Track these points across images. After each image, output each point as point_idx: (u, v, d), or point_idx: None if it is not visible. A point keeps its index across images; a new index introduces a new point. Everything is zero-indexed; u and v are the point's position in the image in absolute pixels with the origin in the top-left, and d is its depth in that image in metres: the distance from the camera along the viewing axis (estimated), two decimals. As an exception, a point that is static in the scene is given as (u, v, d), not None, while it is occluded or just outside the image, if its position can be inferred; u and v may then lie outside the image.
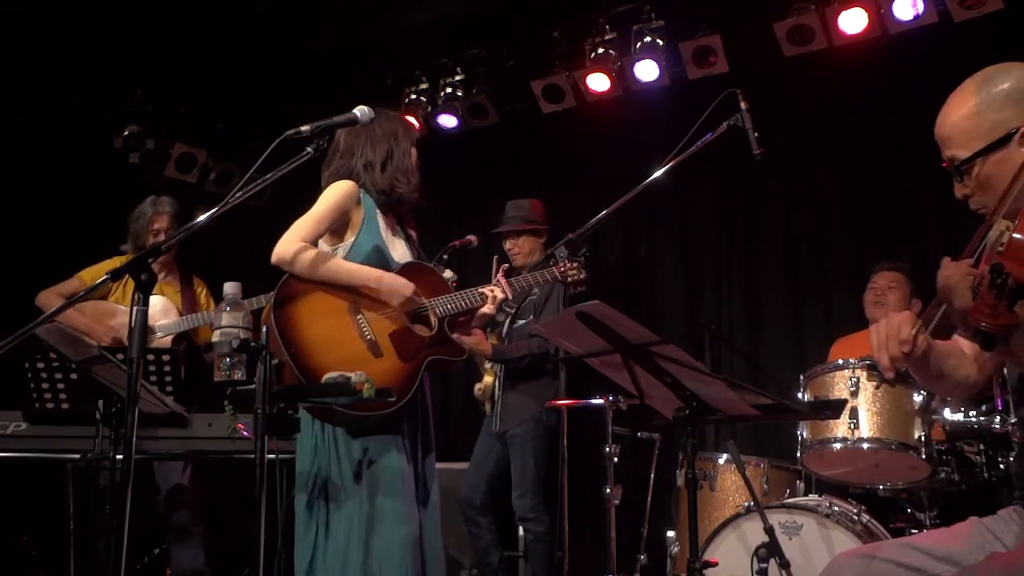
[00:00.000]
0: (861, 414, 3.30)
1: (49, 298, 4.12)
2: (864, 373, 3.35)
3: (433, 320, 2.86)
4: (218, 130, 6.02)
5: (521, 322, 4.53)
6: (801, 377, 3.60)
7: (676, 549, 3.77)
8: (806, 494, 3.72)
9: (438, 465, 2.99)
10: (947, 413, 3.29)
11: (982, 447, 3.41)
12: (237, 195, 2.20)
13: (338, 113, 2.44)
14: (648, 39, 5.09)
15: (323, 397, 2.50)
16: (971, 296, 1.46)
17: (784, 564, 3.02)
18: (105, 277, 2.14)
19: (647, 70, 5.13)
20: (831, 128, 5.05)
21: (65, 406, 3.45)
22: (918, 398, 3.31)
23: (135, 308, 2.02)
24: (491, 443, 4.53)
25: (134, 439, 1.97)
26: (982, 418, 3.19)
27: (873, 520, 3.36)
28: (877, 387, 3.25)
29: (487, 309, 2.96)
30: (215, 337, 2.28)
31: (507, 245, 4.72)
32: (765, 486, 3.74)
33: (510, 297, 3.03)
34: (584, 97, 5.39)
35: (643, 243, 5.51)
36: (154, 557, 4.44)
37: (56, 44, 5.27)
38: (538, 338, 4.34)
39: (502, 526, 4.51)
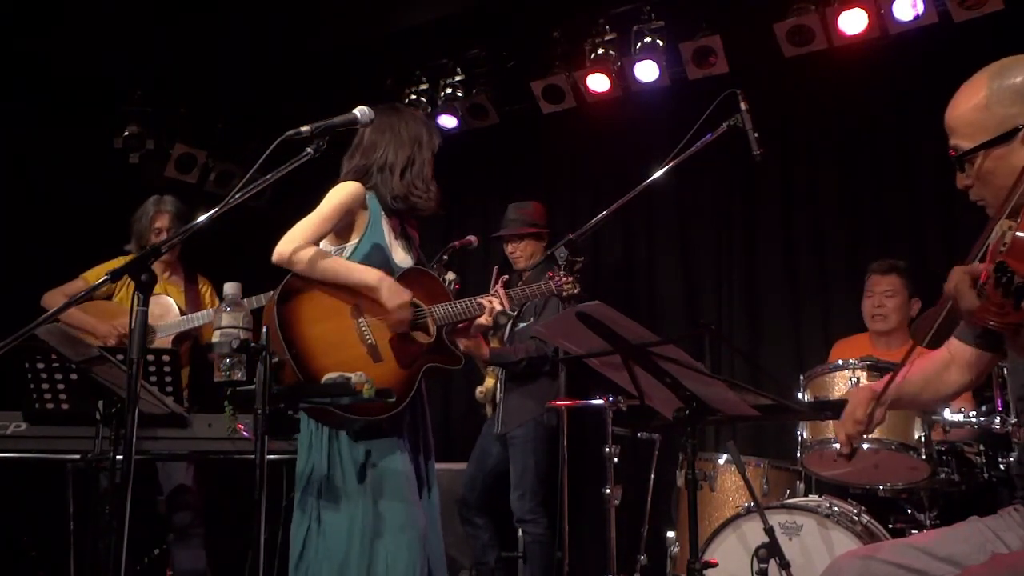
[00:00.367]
0: (861, 414, 3.29)
1: (55, 298, 4.12)
2: (864, 374, 3.35)
3: (432, 327, 2.86)
4: (218, 130, 6.02)
5: (523, 325, 4.53)
6: (801, 377, 3.60)
7: (676, 549, 3.77)
8: (806, 494, 3.72)
9: (438, 465, 2.99)
10: (947, 413, 3.28)
11: (982, 447, 3.41)
12: (237, 195, 2.20)
13: (338, 113, 2.44)
14: (648, 39, 5.08)
15: (323, 397, 2.50)
16: (975, 296, 1.46)
17: (784, 565, 3.02)
18: (105, 277, 2.15)
19: (647, 70, 5.13)
20: (831, 128, 5.05)
21: (65, 406, 3.45)
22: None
23: (135, 308, 2.02)
24: (491, 444, 4.53)
25: (134, 439, 1.97)
26: (982, 418, 3.18)
27: (873, 520, 3.36)
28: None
29: (484, 320, 2.96)
30: (215, 338, 2.28)
31: (509, 248, 4.71)
32: (765, 486, 3.74)
33: (507, 309, 3.03)
34: (584, 97, 5.39)
35: (643, 243, 5.51)
36: (154, 557, 4.44)
37: (56, 44, 5.27)
38: (536, 340, 4.34)
39: (501, 527, 4.51)
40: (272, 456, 2.68)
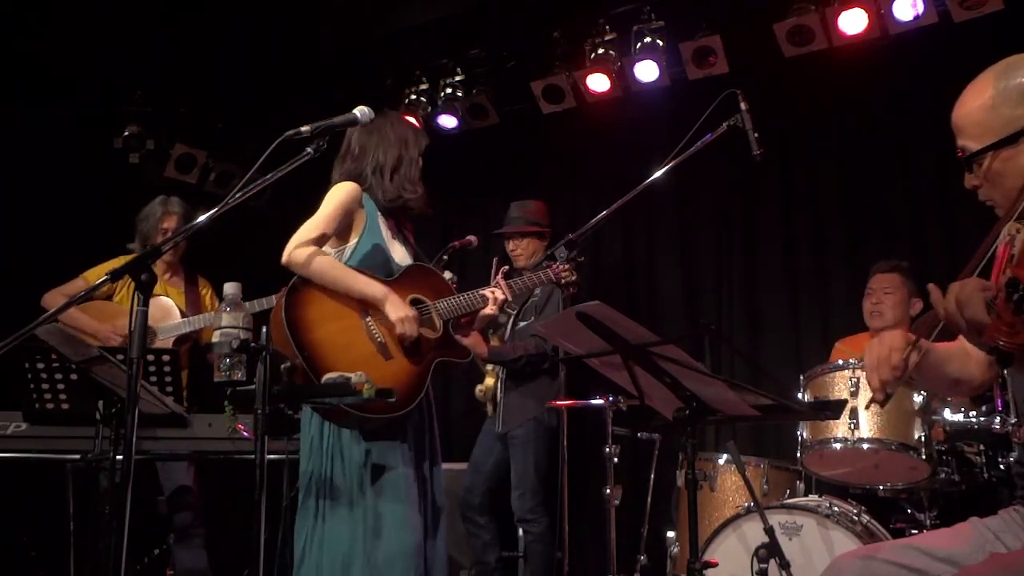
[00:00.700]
0: (861, 414, 3.30)
1: (55, 298, 4.12)
2: (864, 373, 3.34)
3: (437, 322, 2.87)
4: (218, 130, 6.02)
5: (523, 324, 4.53)
6: (801, 377, 3.60)
7: (676, 549, 3.77)
8: (806, 494, 3.72)
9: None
10: (947, 413, 3.29)
11: (982, 447, 3.41)
12: (237, 195, 2.20)
13: (338, 113, 2.44)
14: (648, 39, 5.09)
15: (323, 397, 2.50)
16: (986, 310, 1.42)
17: (784, 564, 3.02)
18: (105, 277, 2.14)
19: (647, 70, 5.13)
20: (831, 128, 5.05)
21: (65, 406, 3.45)
22: (918, 398, 3.31)
23: (135, 308, 2.02)
24: (491, 444, 4.53)
25: (134, 439, 1.97)
26: (982, 418, 3.19)
27: (873, 520, 3.36)
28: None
29: (489, 311, 2.98)
30: (215, 338, 2.28)
31: (509, 246, 4.71)
32: (765, 486, 3.74)
33: (510, 299, 3.04)
34: (584, 97, 5.39)
35: (643, 243, 5.51)
36: (154, 557, 4.44)
37: (56, 44, 5.27)
38: (536, 338, 4.34)
39: (502, 526, 4.51)
40: (272, 456, 2.68)
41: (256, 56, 5.49)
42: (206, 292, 4.47)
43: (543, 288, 4.39)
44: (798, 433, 3.50)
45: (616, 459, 3.68)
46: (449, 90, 5.64)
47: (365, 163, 2.91)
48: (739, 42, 4.98)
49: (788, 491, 3.79)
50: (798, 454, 3.49)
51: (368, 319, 2.73)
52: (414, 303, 2.85)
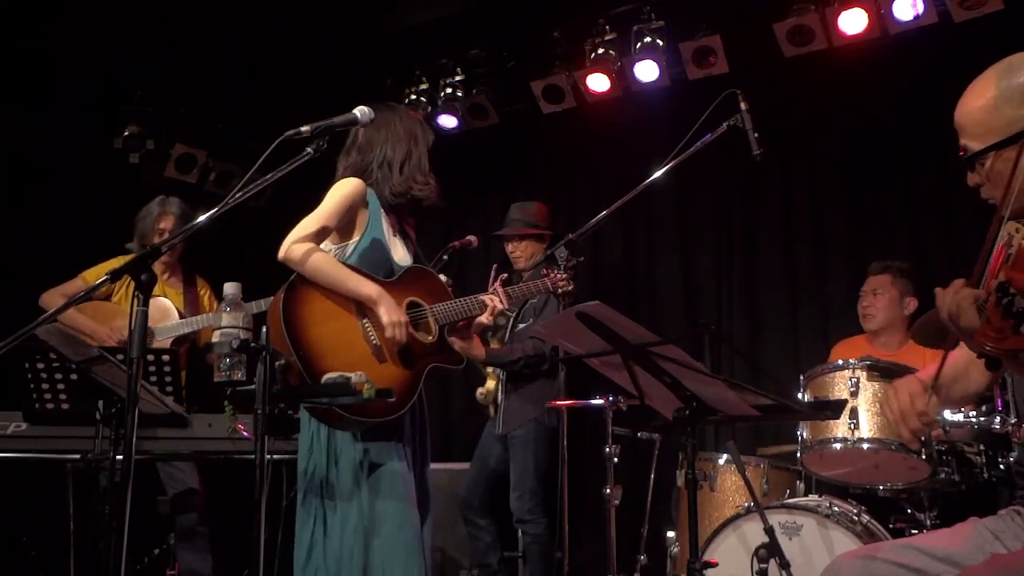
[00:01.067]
0: (861, 414, 3.30)
1: (53, 298, 4.12)
2: (864, 373, 3.35)
3: (433, 327, 2.86)
4: (218, 130, 6.02)
5: (522, 325, 4.52)
6: (801, 377, 3.60)
7: (676, 549, 3.77)
8: (806, 494, 3.72)
9: (438, 465, 3.00)
10: (947, 413, 3.28)
11: (982, 447, 3.41)
12: (237, 195, 2.21)
13: (338, 113, 2.44)
14: (648, 39, 5.08)
15: (323, 397, 2.50)
16: (977, 315, 1.42)
17: (784, 564, 3.02)
18: (105, 277, 2.14)
19: (647, 70, 5.13)
20: (831, 128, 5.05)
21: (65, 406, 3.45)
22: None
23: (135, 309, 2.02)
24: (492, 445, 4.53)
25: (134, 439, 1.97)
26: (982, 418, 3.18)
27: (873, 520, 3.36)
28: (880, 378, 3.24)
29: (484, 319, 2.97)
30: (215, 338, 2.28)
31: (509, 248, 4.71)
32: (765, 486, 3.74)
33: (507, 306, 3.03)
34: (584, 97, 5.39)
35: (643, 243, 5.51)
36: (154, 557, 4.44)
37: (56, 44, 5.27)
38: (534, 340, 4.33)
39: (502, 528, 4.51)
40: (272, 456, 2.68)
41: (256, 56, 5.49)
42: (204, 292, 4.47)
43: (541, 293, 4.40)
44: (798, 433, 3.50)
45: (616, 459, 3.68)
46: (449, 90, 5.64)
47: (372, 157, 2.90)
48: (739, 42, 4.98)
49: (788, 491, 3.80)
50: (798, 454, 3.49)
51: (365, 320, 2.73)
52: (411, 306, 2.84)
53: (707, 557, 3.34)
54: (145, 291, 2.03)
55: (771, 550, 3.05)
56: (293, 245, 2.67)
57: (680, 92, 5.17)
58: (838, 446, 3.32)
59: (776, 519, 3.26)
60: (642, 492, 4.12)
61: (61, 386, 3.44)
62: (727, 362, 5.02)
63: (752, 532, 3.32)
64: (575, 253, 3.28)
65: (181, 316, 4.24)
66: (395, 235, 2.94)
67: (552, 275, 3.16)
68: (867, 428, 3.28)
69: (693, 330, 4.98)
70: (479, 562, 4.48)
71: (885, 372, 3.34)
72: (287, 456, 3.23)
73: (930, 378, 1.72)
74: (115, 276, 2.12)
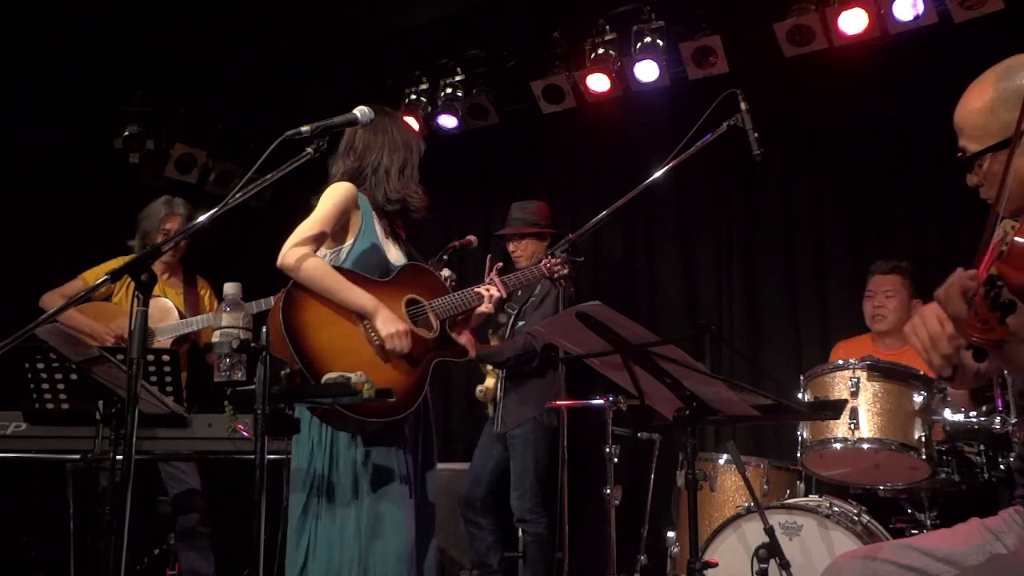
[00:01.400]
0: (861, 414, 3.30)
1: (53, 299, 4.12)
2: (864, 373, 3.35)
3: (434, 321, 2.87)
4: (218, 130, 6.02)
5: (522, 323, 4.53)
6: (801, 377, 3.60)
7: (676, 549, 3.77)
8: (806, 495, 3.72)
9: (439, 465, 3.00)
10: (947, 413, 3.29)
11: (982, 447, 3.41)
12: (237, 195, 2.20)
13: (338, 113, 2.44)
14: (648, 39, 5.08)
15: (323, 397, 2.50)
16: (965, 306, 1.44)
17: (784, 565, 3.02)
18: (105, 277, 2.14)
19: (647, 70, 5.13)
20: (831, 128, 5.05)
21: (65, 406, 3.45)
22: (918, 398, 3.31)
23: (135, 309, 2.02)
24: (492, 445, 4.53)
25: (134, 439, 1.97)
26: (982, 418, 3.19)
27: (873, 521, 3.36)
28: (882, 378, 3.22)
29: (484, 308, 2.97)
30: (215, 338, 2.28)
31: (510, 247, 4.72)
32: (765, 487, 3.74)
33: (504, 295, 3.04)
34: (584, 97, 5.39)
35: (643, 243, 5.51)
36: (154, 557, 4.44)
37: (56, 44, 5.26)
38: (525, 336, 4.34)
39: (503, 528, 4.51)
40: (272, 456, 2.68)
41: (256, 56, 5.49)
42: (205, 293, 4.47)
43: (541, 287, 4.40)
44: (798, 433, 3.50)
45: (616, 459, 3.68)
46: (449, 90, 5.64)
47: (367, 162, 2.90)
48: (739, 42, 4.98)
49: (788, 491, 3.80)
50: (798, 454, 3.49)
51: (366, 322, 2.73)
52: (411, 303, 2.84)
53: (707, 557, 3.34)
54: (145, 291, 2.03)
55: (771, 550, 3.05)
56: (289, 252, 2.67)
57: (680, 92, 5.17)
58: (838, 446, 3.32)
59: (776, 519, 3.26)
60: (642, 492, 4.12)
61: (61, 386, 3.44)
62: (727, 362, 5.02)
63: (752, 532, 3.32)
64: (575, 253, 3.28)
65: (181, 316, 4.24)
66: (387, 237, 2.95)
67: (548, 261, 3.16)
68: (867, 428, 3.28)
69: (693, 330, 4.98)
70: (480, 562, 4.48)
71: (885, 372, 3.34)
72: (287, 456, 3.22)
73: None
74: (115, 276, 2.12)
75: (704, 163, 3.81)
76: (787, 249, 5.07)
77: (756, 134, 3.19)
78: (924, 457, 3.25)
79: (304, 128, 2.29)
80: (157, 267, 2.34)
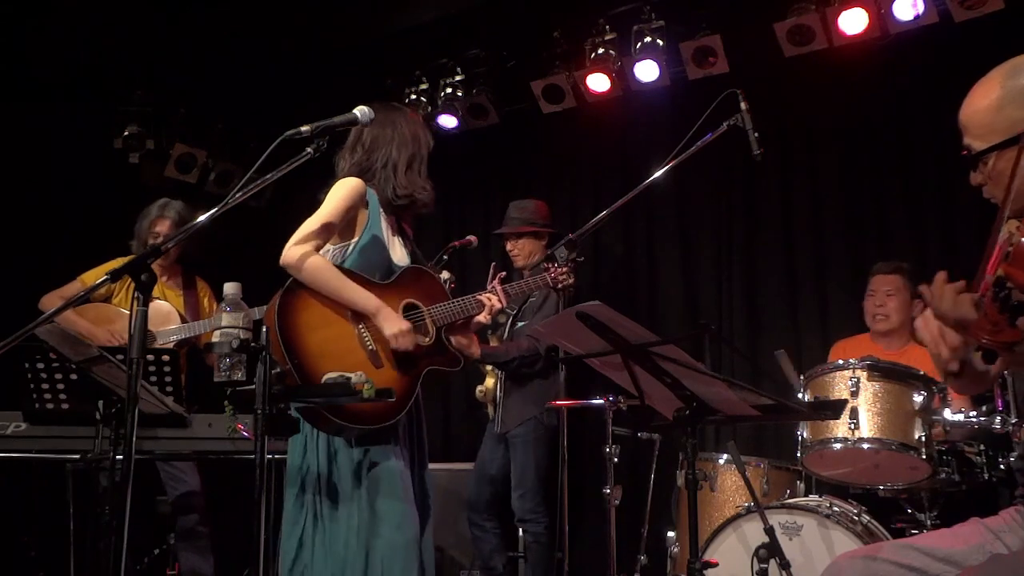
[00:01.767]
0: (861, 414, 3.30)
1: (52, 301, 4.11)
2: (864, 373, 3.35)
3: (431, 328, 2.85)
4: (218, 130, 6.02)
5: (522, 324, 4.52)
6: (801, 377, 3.60)
7: (676, 549, 3.77)
8: (806, 494, 3.72)
9: (438, 465, 3.00)
10: (947, 413, 3.29)
11: (982, 447, 3.41)
12: (237, 195, 2.20)
13: (337, 113, 2.44)
14: (648, 39, 5.08)
15: (323, 397, 2.50)
16: (974, 310, 1.43)
17: (784, 564, 3.02)
18: (105, 277, 2.14)
19: (647, 70, 5.13)
20: (831, 128, 5.05)
21: (65, 406, 3.45)
22: (918, 398, 3.31)
23: (135, 308, 2.02)
24: (494, 446, 4.52)
25: (134, 439, 1.97)
26: (982, 418, 3.19)
27: (873, 521, 3.36)
28: (882, 378, 3.21)
29: (482, 318, 2.96)
30: (215, 338, 2.28)
31: (508, 246, 4.71)
32: (765, 486, 3.74)
33: (505, 305, 3.03)
34: (584, 97, 5.39)
35: (643, 243, 5.51)
36: (154, 557, 4.44)
37: (56, 44, 5.26)
38: (529, 338, 4.33)
39: (507, 529, 4.50)
40: (272, 456, 2.68)
41: (256, 56, 5.49)
42: (204, 294, 4.47)
43: (540, 290, 4.39)
44: (798, 433, 3.50)
45: (616, 459, 3.68)
46: (449, 90, 5.64)
47: (376, 157, 2.88)
48: (739, 42, 4.98)
49: (788, 491, 3.80)
50: (798, 454, 3.49)
51: (361, 326, 2.71)
52: (408, 308, 2.83)
53: (707, 557, 3.34)
54: (145, 291, 2.03)
55: (771, 550, 3.05)
56: (292, 250, 2.65)
57: (680, 92, 5.17)
58: (838, 446, 3.32)
59: (776, 519, 3.26)
60: (642, 492, 4.12)
61: (61, 386, 3.44)
62: (727, 362, 5.02)
63: (752, 532, 3.32)
64: (576, 253, 3.28)
65: (182, 318, 4.23)
66: (394, 235, 2.94)
67: (552, 270, 3.15)
68: (867, 428, 3.28)
69: (693, 330, 4.98)
70: (484, 564, 4.48)
71: (885, 372, 3.34)
72: (286, 456, 3.23)
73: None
74: (115, 276, 2.12)
75: (704, 163, 3.81)
76: (787, 249, 5.06)
77: (756, 134, 3.19)
78: (924, 457, 3.25)
79: (304, 128, 2.29)
80: (155, 269, 2.33)
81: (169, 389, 3.51)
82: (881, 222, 4.85)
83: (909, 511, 3.64)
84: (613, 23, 5.23)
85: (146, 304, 2.03)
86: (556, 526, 3.92)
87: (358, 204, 2.80)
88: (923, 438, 3.26)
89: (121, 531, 1.95)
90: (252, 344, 2.25)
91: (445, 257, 4.10)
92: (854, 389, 3.33)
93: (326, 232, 2.73)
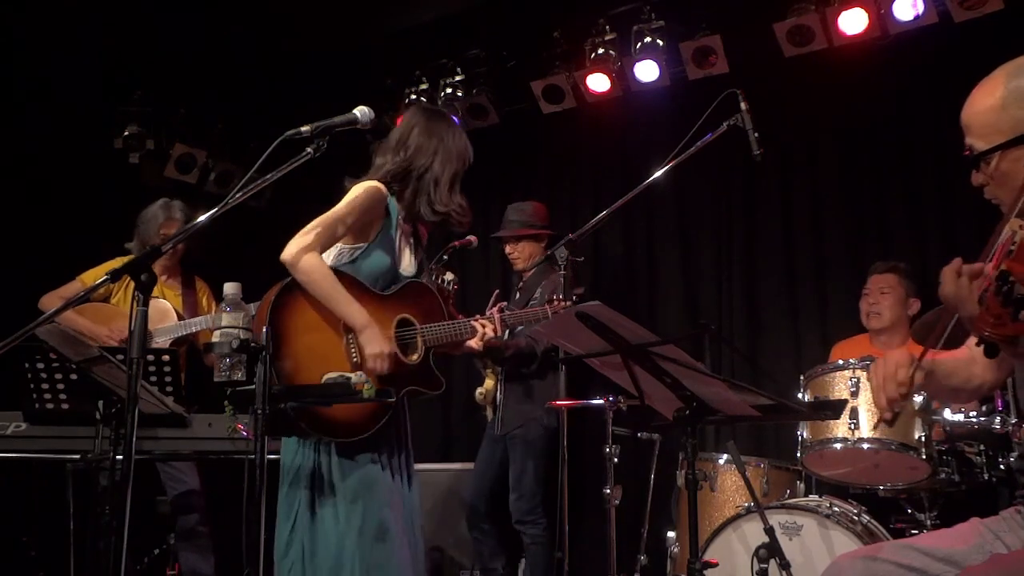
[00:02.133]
0: (861, 414, 3.30)
1: (52, 301, 4.12)
2: (864, 373, 3.35)
3: (420, 347, 2.83)
4: (218, 130, 6.02)
5: (521, 327, 4.52)
6: (801, 377, 3.60)
7: (676, 549, 3.77)
8: (806, 495, 3.72)
9: (439, 465, 2.99)
10: (947, 413, 3.29)
11: (982, 447, 3.41)
12: (237, 195, 2.20)
13: (338, 113, 2.43)
14: (648, 39, 5.08)
15: (323, 397, 2.50)
16: (977, 303, 1.45)
17: (784, 565, 3.02)
18: (105, 277, 2.14)
19: (647, 70, 5.13)
20: (831, 128, 5.05)
21: (65, 406, 3.46)
22: (918, 398, 3.30)
23: (135, 308, 2.02)
24: (494, 448, 4.52)
25: (134, 439, 1.97)
26: (982, 418, 3.19)
27: (873, 521, 3.36)
28: (875, 428, 3.24)
29: (473, 343, 2.93)
30: (215, 337, 2.28)
31: (507, 249, 4.70)
32: (765, 486, 3.74)
33: (500, 334, 3.01)
34: (584, 97, 5.39)
35: (643, 243, 5.51)
36: (154, 557, 4.44)
37: (56, 44, 5.26)
38: (528, 339, 4.33)
39: (508, 531, 4.50)
40: (272, 456, 2.68)
41: (256, 56, 5.49)
42: (203, 294, 4.47)
43: (541, 288, 4.39)
44: (798, 433, 3.50)
45: (616, 459, 3.68)
46: (449, 90, 5.64)
47: (416, 165, 2.83)
48: (739, 42, 4.98)
49: (788, 491, 3.80)
50: (798, 454, 3.49)
51: (350, 336, 2.70)
52: (402, 323, 2.81)
53: (707, 557, 3.34)
54: (145, 291, 2.03)
55: (771, 550, 3.05)
56: (294, 249, 2.62)
57: (680, 92, 5.17)
58: (838, 446, 3.32)
59: (776, 519, 3.26)
60: (642, 492, 4.12)
61: (61, 386, 3.44)
62: (727, 362, 5.02)
63: (752, 532, 3.32)
64: (575, 253, 3.28)
65: (180, 318, 4.23)
66: (406, 244, 2.91)
67: (557, 303, 3.15)
68: (867, 428, 3.28)
69: (693, 330, 4.98)
70: (484, 566, 4.48)
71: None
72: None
73: (919, 356, 1.73)
74: (115, 276, 2.12)
75: (704, 163, 3.81)
76: (787, 249, 5.06)
77: (756, 134, 3.19)
78: (924, 457, 3.25)
79: (304, 128, 2.29)
80: (155, 268, 2.34)
81: (169, 389, 3.51)
82: (881, 222, 4.85)
83: (909, 511, 3.64)
84: (613, 23, 5.23)
85: (146, 304, 2.03)
86: (556, 526, 3.92)
87: (377, 213, 2.77)
88: (923, 438, 3.26)
89: (121, 531, 1.95)
90: (252, 344, 2.25)
91: (445, 257, 4.10)
92: (854, 389, 3.33)
93: (336, 233, 2.69)
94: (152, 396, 3.18)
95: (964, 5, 4.43)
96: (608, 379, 2.38)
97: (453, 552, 4.74)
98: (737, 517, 3.43)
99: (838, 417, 3.25)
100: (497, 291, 4.45)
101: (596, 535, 4.36)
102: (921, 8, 4.52)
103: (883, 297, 4.09)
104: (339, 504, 2.64)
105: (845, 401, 3.29)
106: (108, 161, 5.77)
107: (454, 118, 5.11)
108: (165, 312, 4.20)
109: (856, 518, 3.32)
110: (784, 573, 3.02)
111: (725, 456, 3.83)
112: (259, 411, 2.19)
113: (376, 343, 2.67)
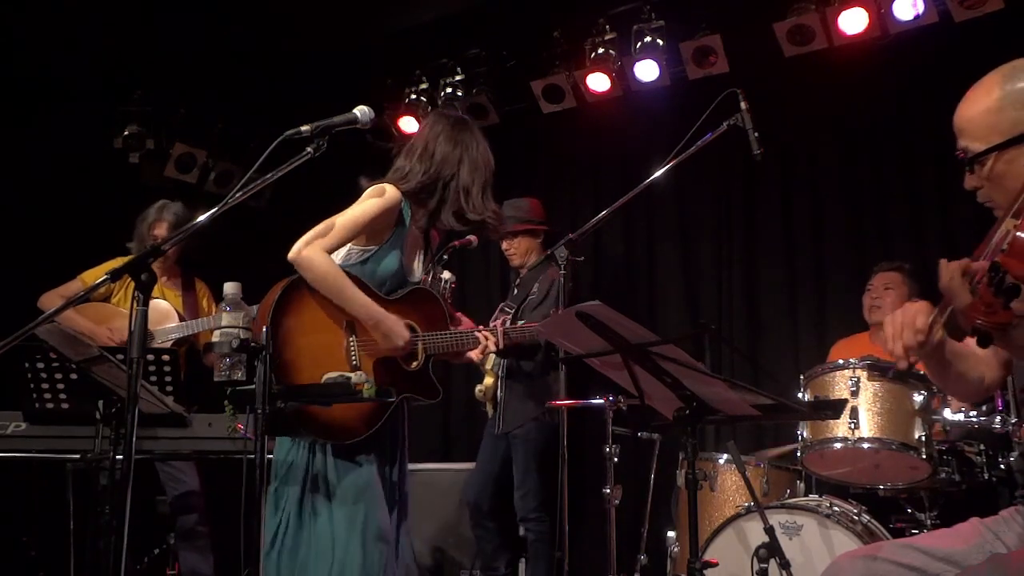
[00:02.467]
0: (861, 414, 3.30)
1: (52, 300, 4.11)
2: (864, 373, 3.35)
3: (421, 355, 2.82)
4: (218, 130, 6.02)
5: (521, 322, 4.52)
6: (801, 377, 3.60)
7: (676, 549, 3.77)
8: (806, 494, 3.72)
9: (439, 465, 2.99)
10: (947, 413, 3.29)
11: (982, 447, 3.42)
12: (237, 195, 2.20)
13: (338, 113, 2.43)
14: (648, 39, 5.09)
15: (323, 397, 2.49)
16: (970, 294, 1.46)
17: (784, 564, 3.02)
18: (105, 277, 2.14)
19: (647, 70, 5.13)
20: (831, 128, 5.05)
21: (65, 406, 3.46)
22: (918, 398, 3.31)
23: (135, 308, 2.02)
24: (495, 446, 4.52)
25: (134, 439, 1.97)
26: (982, 418, 3.19)
27: (873, 520, 3.36)
28: (880, 377, 3.22)
29: (475, 355, 2.93)
30: (215, 337, 2.28)
31: (504, 245, 4.71)
32: (765, 486, 3.74)
33: (502, 348, 3.01)
34: (584, 97, 5.39)
35: (643, 243, 5.51)
36: (154, 557, 4.44)
37: (56, 44, 5.27)
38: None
39: (510, 529, 4.50)
40: (272, 456, 2.68)
41: (256, 56, 5.49)
42: (203, 295, 4.47)
43: (540, 285, 4.40)
44: (798, 433, 3.50)
45: (616, 459, 3.68)
46: (449, 90, 5.64)
47: (443, 174, 2.80)
48: (739, 42, 4.98)
49: (788, 491, 3.80)
50: (798, 454, 3.49)
51: (352, 339, 2.69)
52: None
53: (707, 557, 3.33)
54: (145, 291, 2.03)
55: (771, 550, 3.05)
56: (305, 248, 2.60)
57: (680, 92, 5.17)
58: (838, 446, 3.32)
59: (776, 519, 3.26)
60: (642, 492, 4.12)
61: (61, 386, 3.44)
62: (727, 362, 5.02)
63: (752, 532, 3.32)
64: (575, 253, 3.28)
65: (180, 318, 4.23)
66: (418, 249, 2.90)
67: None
68: (867, 428, 3.28)
69: (693, 330, 4.98)
70: (487, 565, 4.48)
71: (886, 372, 3.34)
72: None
73: (940, 307, 1.67)
74: (115, 276, 2.12)
75: (704, 163, 3.81)
76: (787, 249, 5.07)
77: (756, 134, 3.19)
78: (924, 457, 3.25)
79: (304, 128, 2.29)
80: (155, 269, 2.33)
81: (169, 389, 3.51)
82: (881, 222, 4.85)
83: (909, 511, 3.64)
84: (613, 23, 5.24)
85: (146, 304, 2.03)
86: (556, 526, 3.92)
87: (391, 218, 2.75)
88: (923, 438, 3.26)
89: (121, 531, 1.95)
90: (252, 344, 2.25)
91: (445, 257, 4.09)
92: (854, 389, 3.33)
93: (347, 236, 2.67)
94: (152, 396, 3.18)
95: (964, 5, 4.43)
96: (608, 379, 2.38)
97: (453, 552, 4.74)
98: (737, 517, 3.43)
99: (838, 417, 3.25)
100: (502, 304, 4.45)
101: (596, 535, 4.36)
102: (921, 8, 4.53)
103: (887, 293, 4.12)
104: (332, 504, 2.64)
105: (845, 401, 3.29)
106: (108, 161, 5.77)
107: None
108: (166, 313, 4.20)
109: (856, 518, 3.32)
110: (784, 573, 3.02)
111: (725, 456, 3.83)
112: (259, 411, 2.19)
113: (392, 338, 2.67)
